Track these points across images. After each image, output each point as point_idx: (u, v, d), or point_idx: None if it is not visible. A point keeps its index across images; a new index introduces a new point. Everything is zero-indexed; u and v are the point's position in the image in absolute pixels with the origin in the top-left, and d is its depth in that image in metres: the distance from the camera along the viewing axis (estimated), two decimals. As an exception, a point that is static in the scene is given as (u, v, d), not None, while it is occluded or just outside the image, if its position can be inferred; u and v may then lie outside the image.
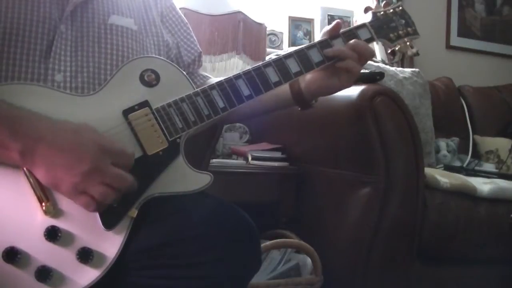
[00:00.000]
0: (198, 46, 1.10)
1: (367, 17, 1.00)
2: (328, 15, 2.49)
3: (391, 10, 1.01)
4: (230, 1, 1.99)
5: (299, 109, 1.00)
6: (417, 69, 2.11)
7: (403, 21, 1.01)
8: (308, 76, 0.94)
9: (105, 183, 0.67)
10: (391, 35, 0.99)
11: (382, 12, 1.00)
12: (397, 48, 1.01)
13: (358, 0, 2.53)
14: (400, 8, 1.02)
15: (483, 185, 1.53)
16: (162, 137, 0.77)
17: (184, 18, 1.09)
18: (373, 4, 2.42)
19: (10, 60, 0.80)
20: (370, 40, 0.97)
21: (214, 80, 1.07)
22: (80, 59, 0.85)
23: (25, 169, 0.70)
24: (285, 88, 0.95)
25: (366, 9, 1.01)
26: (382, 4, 1.03)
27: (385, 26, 0.99)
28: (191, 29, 1.10)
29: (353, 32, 0.96)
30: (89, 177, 0.67)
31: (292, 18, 2.46)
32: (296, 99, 0.97)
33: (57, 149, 0.67)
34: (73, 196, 0.68)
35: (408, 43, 1.01)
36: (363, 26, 0.98)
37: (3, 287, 0.68)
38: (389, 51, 1.02)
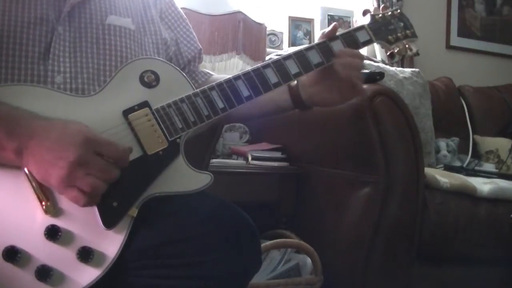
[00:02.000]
0: (198, 43, 1.10)
1: (366, 20, 1.00)
2: (328, 15, 2.49)
3: (389, 13, 1.01)
4: (230, 1, 1.99)
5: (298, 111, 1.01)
6: (417, 69, 2.11)
7: (402, 24, 1.02)
8: (310, 89, 0.95)
9: (91, 174, 0.67)
10: (390, 37, 1.00)
11: (380, 15, 1.01)
12: (396, 51, 1.01)
13: (358, 0, 2.53)
14: (398, 11, 1.03)
15: (483, 185, 1.53)
16: (162, 137, 0.77)
17: (184, 15, 1.09)
18: (373, 5, 2.42)
19: (9, 63, 0.80)
20: (369, 42, 0.98)
21: (216, 76, 1.08)
22: (79, 60, 0.85)
23: (26, 169, 0.70)
24: (284, 96, 0.97)
25: (365, 12, 1.02)
26: (380, 8, 1.03)
27: (383, 28, 1.00)
28: (190, 25, 1.09)
29: (351, 34, 0.96)
30: (75, 168, 0.66)
31: (292, 18, 2.46)
32: (296, 105, 0.99)
33: (46, 145, 0.67)
34: (63, 190, 0.68)
35: (407, 46, 1.01)
36: (361, 28, 0.98)
37: (3, 286, 0.68)
38: (388, 53, 1.02)
